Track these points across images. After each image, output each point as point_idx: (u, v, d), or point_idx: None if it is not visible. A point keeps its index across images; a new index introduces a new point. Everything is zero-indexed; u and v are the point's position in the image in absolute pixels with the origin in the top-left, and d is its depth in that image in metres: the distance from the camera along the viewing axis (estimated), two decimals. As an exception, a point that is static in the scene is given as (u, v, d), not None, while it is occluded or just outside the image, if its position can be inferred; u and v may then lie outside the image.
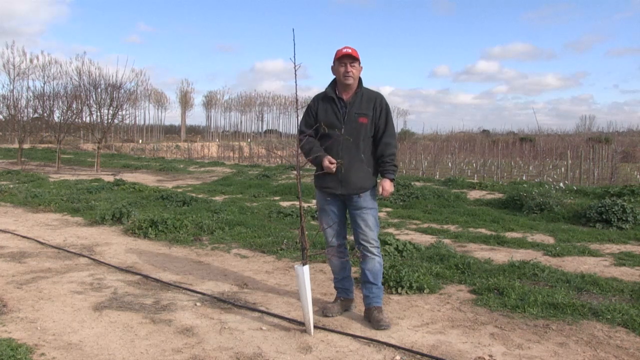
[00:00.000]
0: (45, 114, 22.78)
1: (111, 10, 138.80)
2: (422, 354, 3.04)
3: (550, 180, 14.82)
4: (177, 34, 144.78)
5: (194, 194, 10.60)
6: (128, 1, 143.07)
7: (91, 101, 20.72)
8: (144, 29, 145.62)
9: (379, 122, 3.57)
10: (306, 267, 3.28)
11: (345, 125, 3.52)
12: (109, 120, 20.68)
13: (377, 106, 3.57)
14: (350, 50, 3.50)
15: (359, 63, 3.56)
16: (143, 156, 32.33)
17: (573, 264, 5.32)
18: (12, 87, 24.49)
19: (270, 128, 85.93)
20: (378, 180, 3.66)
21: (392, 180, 3.57)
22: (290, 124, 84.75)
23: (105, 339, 3.24)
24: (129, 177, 16.38)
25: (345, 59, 3.50)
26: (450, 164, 24.81)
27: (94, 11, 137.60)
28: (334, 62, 3.57)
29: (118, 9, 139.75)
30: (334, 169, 3.44)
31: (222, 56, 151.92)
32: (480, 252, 5.82)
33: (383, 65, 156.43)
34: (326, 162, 3.44)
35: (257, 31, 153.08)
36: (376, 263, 3.62)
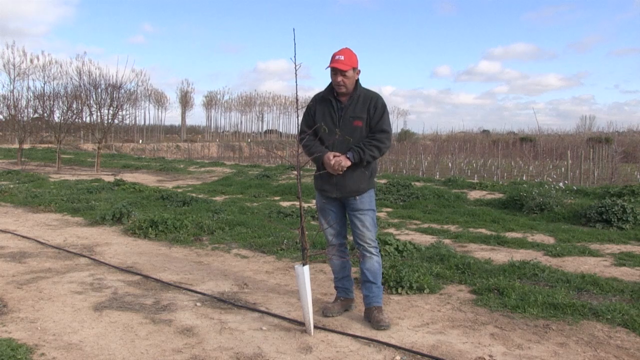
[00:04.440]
0: (45, 114, 22.79)
1: (117, 11, 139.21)
2: (423, 354, 3.04)
3: (551, 180, 14.82)
4: (181, 35, 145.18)
5: (194, 194, 10.60)
6: (133, 2, 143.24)
7: (91, 101, 20.74)
8: (149, 29, 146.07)
9: (372, 121, 3.54)
10: (306, 267, 3.28)
11: (341, 128, 3.49)
12: (109, 121, 20.67)
13: (372, 108, 3.53)
14: (342, 58, 3.43)
15: (353, 69, 3.49)
16: (143, 156, 32.34)
17: (573, 264, 5.31)
18: (12, 87, 24.61)
19: (270, 128, 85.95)
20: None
21: (349, 159, 3.41)
22: (290, 124, 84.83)
23: (105, 339, 3.24)
24: (129, 177, 16.38)
25: (336, 70, 3.46)
26: (450, 164, 24.81)
27: (100, 12, 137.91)
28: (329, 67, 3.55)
29: (123, 10, 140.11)
30: (336, 165, 3.38)
31: (224, 56, 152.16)
32: (481, 252, 5.82)
33: (384, 65, 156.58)
34: (326, 160, 3.41)
35: (260, 31, 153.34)
36: (375, 262, 3.62)
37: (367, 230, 3.59)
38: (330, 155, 3.42)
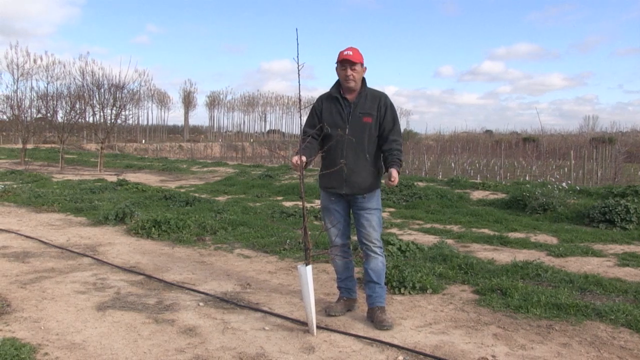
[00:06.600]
0: (48, 114, 22.85)
1: (121, 12, 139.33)
2: (425, 354, 3.04)
3: (554, 180, 14.76)
4: (184, 35, 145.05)
5: (197, 194, 10.62)
6: (138, 3, 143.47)
7: (94, 101, 20.78)
8: (153, 30, 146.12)
9: (384, 122, 3.56)
10: (309, 267, 3.28)
11: (350, 125, 3.51)
12: (112, 121, 20.71)
13: (382, 106, 3.57)
14: (351, 53, 3.47)
15: (361, 65, 3.53)
16: (146, 156, 32.39)
17: (576, 265, 5.30)
18: (15, 88, 24.51)
19: (273, 128, 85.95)
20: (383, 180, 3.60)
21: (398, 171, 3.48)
22: (293, 124, 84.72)
23: (108, 338, 3.25)
24: (132, 177, 16.42)
25: (345, 63, 3.48)
26: (453, 164, 24.78)
27: (105, 13, 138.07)
28: (336, 64, 3.57)
29: (128, 10, 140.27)
30: (297, 166, 3.33)
31: (228, 56, 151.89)
32: (483, 253, 5.81)
33: (388, 66, 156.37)
34: (292, 160, 3.38)
35: (264, 31, 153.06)
36: (379, 262, 3.62)
37: (373, 230, 3.58)
38: (293, 158, 3.37)
